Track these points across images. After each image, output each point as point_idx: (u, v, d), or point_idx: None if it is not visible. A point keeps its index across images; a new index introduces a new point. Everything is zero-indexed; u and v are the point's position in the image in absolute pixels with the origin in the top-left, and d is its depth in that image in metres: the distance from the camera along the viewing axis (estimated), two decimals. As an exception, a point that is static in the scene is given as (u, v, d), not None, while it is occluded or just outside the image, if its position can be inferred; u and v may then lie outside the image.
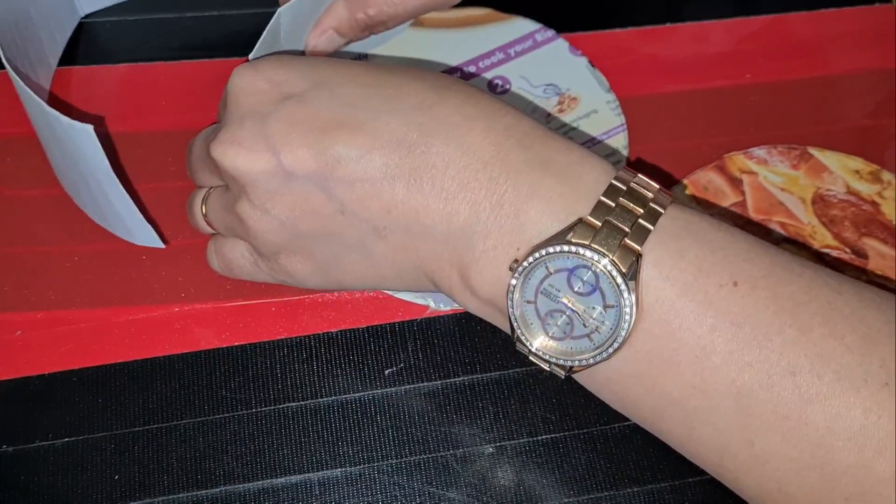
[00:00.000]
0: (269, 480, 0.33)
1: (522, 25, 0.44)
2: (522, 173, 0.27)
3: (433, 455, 0.34)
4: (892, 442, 0.24)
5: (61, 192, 0.39)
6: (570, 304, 0.27)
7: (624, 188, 0.27)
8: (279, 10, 0.34)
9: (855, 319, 0.25)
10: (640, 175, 0.27)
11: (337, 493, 0.33)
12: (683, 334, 0.26)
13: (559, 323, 0.27)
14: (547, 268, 0.27)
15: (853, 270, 0.38)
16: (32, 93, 0.32)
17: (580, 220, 0.26)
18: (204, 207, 0.34)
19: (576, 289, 0.27)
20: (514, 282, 0.27)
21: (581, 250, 0.26)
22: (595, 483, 0.33)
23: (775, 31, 0.45)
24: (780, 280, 0.26)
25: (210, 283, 0.37)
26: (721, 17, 0.46)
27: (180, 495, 0.33)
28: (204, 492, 0.33)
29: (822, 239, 0.39)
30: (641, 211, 0.26)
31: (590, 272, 0.26)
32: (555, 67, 0.42)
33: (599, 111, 0.41)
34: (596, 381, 0.29)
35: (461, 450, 0.34)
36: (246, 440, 0.34)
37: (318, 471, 0.33)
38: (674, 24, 0.44)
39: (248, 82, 0.30)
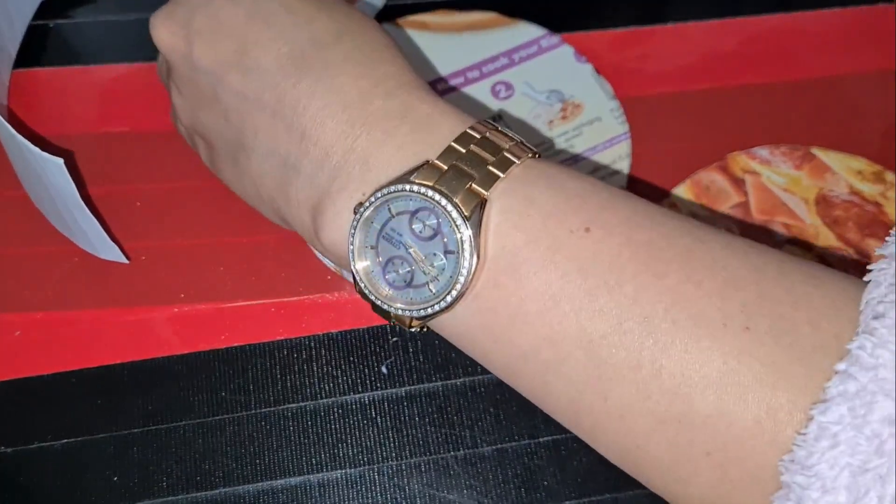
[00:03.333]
0: (268, 482, 0.33)
1: (527, 31, 0.43)
2: (380, 121, 0.27)
3: (434, 457, 0.34)
4: (753, 388, 0.22)
5: (61, 193, 0.39)
6: (411, 250, 0.26)
7: (478, 137, 0.26)
8: None
9: (717, 266, 0.24)
10: (502, 129, 0.27)
11: (337, 494, 0.33)
12: (530, 282, 0.25)
13: (400, 271, 0.26)
14: (389, 210, 0.26)
15: (856, 271, 0.38)
16: (2, 120, 0.33)
17: (427, 162, 0.26)
18: (162, 68, 0.35)
19: (417, 232, 0.26)
20: (355, 223, 0.26)
21: (423, 190, 0.25)
22: (596, 485, 0.33)
23: (777, 31, 0.45)
24: (638, 227, 0.25)
25: (209, 283, 0.37)
26: (722, 18, 0.46)
27: (179, 497, 0.32)
28: (203, 493, 0.33)
29: (825, 240, 0.38)
30: (493, 159, 0.26)
31: (431, 215, 0.25)
32: (559, 73, 0.42)
33: (603, 118, 0.41)
34: (448, 334, 0.28)
35: (462, 451, 0.34)
36: (245, 442, 0.34)
37: (317, 472, 0.33)
38: (676, 24, 0.44)
39: None
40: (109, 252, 0.36)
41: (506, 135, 0.27)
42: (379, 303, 0.27)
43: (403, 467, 0.33)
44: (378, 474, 0.33)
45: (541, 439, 0.34)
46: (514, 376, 0.27)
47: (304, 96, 0.28)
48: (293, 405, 0.34)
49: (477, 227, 0.25)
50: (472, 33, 0.43)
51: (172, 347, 0.35)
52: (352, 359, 0.35)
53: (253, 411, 0.34)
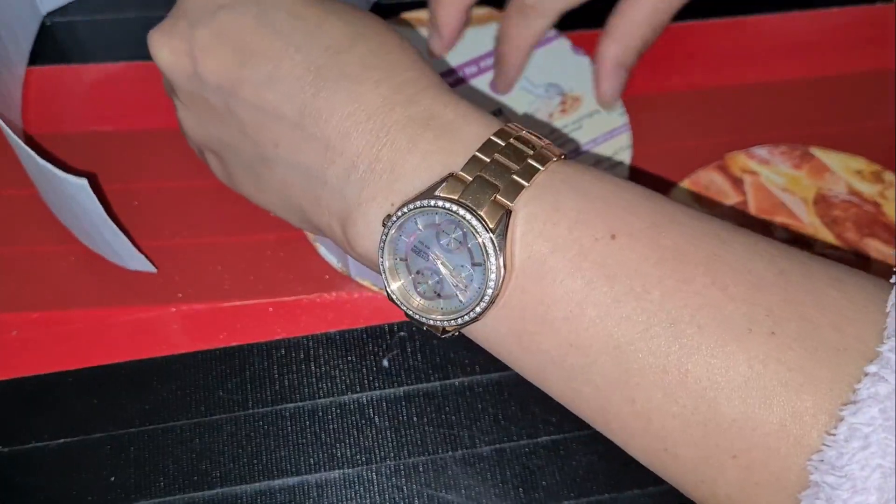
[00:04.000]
0: (266, 482, 0.33)
1: None
2: (405, 128, 0.27)
3: (432, 457, 0.33)
4: (778, 392, 0.23)
5: (58, 192, 0.38)
6: (439, 263, 0.26)
7: (502, 144, 0.26)
8: None
9: (742, 269, 0.24)
10: (526, 131, 0.27)
11: (335, 495, 0.33)
12: (556, 290, 0.25)
13: (430, 282, 0.27)
14: (417, 223, 0.26)
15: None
16: (23, 144, 0.33)
17: (451, 175, 0.26)
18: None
19: (444, 245, 0.26)
20: (384, 237, 0.26)
21: (448, 205, 0.25)
22: (596, 485, 0.33)
23: (776, 30, 0.45)
24: (664, 231, 0.25)
25: (207, 283, 0.36)
26: (722, 17, 0.45)
27: (176, 497, 0.32)
28: (201, 493, 0.32)
29: (823, 239, 0.38)
30: (517, 167, 0.26)
31: (458, 229, 0.26)
32: (557, 67, 0.42)
33: (602, 111, 0.41)
34: (478, 340, 0.28)
35: (460, 451, 0.34)
36: (243, 441, 0.34)
37: (315, 472, 0.33)
38: (675, 24, 0.44)
39: None
40: (137, 262, 0.36)
41: (530, 140, 0.26)
42: (411, 313, 0.27)
43: (402, 467, 0.33)
44: (376, 474, 0.33)
45: (539, 439, 0.34)
46: (543, 381, 0.27)
47: (325, 106, 0.27)
48: (291, 405, 0.34)
49: (503, 238, 0.25)
50: (468, 29, 0.43)
51: (170, 347, 0.35)
52: (350, 358, 0.35)
53: (251, 411, 0.34)
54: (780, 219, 0.39)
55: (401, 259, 0.27)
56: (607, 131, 0.41)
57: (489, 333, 0.27)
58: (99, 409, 0.34)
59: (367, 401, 0.35)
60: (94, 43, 0.43)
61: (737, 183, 0.40)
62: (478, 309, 0.26)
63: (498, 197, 0.25)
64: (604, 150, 0.40)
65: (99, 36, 0.44)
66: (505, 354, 0.27)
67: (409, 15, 0.44)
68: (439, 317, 0.27)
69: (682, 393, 0.24)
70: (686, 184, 0.40)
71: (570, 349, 0.25)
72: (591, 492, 0.33)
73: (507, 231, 0.25)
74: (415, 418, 0.34)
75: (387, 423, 0.34)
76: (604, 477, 0.33)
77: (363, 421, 0.34)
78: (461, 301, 0.26)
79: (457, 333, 0.28)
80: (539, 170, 0.26)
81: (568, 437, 0.34)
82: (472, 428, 0.34)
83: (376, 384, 0.35)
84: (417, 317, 0.27)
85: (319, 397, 0.34)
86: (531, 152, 0.26)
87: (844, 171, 0.40)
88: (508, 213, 0.25)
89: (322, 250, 0.36)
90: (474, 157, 0.26)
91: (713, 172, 0.40)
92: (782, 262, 0.25)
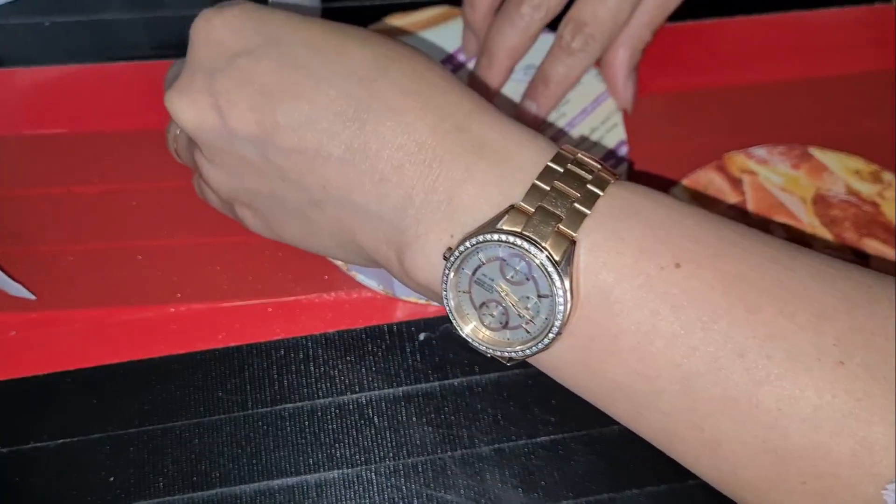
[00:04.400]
0: (265, 482, 0.33)
1: None
2: (458, 157, 0.26)
3: (431, 457, 0.34)
4: (847, 422, 0.23)
5: (56, 192, 0.38)
6: (504, 295, 0.26)
7: (560, 170, 0.26)
8: None
9: (807, 297, 0.24)
10: (580, 154, 0.27)
11: (334, 495, 0.33)
12: (623, 320, 0.25)
13: (495, 313, 0.27)
14: (479, 257, 0.26)
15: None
16: None
17: (512, 207, 0.25)
18: (176, 143, 0.34)
19: (509, 277, 0.26)
20: (447, 271, 0.26)
21: (512, 238, 0.25)
22: (595, 485, 0.33)
23: (775, 30, 0.45)
24: (727, 258, 0.25)
25: (206, 283, 0.36)
26: (721, 17, 0.45)
27: (176, 497, 0.32)
28: (200, 494, 0.32)
29: (822, 239, 0.38)
30: (577, 195, 0.25)
31: (522, 261, 0.26)
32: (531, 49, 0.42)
33: (583, 81, 0.41)
34: (543, 368, 0.28)
35: (459, 452, 0.34)
36: (242, 442, 0.34)
37: (314, 473, 0.33)
38: (673, 24, 0.44)
39: (206, 31, 0.29)
40: (17, 291, 0.36)
41: (586, 163, 0.26)
42: (476, 344, 0.27)
43: (401, 467, 0.33)
44: (375, 474, 0.33)
45: (538, 439, 0.34)
46: (608, 405, 0.27)
47: (372, 140, 0.27)
48: (290, 405, 0.34)
49: (567, 269, 0.25)
50: (433, 29, 0.43)
51: (169, 347, 0.35)
52: (349, 359, 0.35)
53: (250, 411, 0.34)
54: (778, 219, 0.39)
55: (463, 292, 0.27)
56: (593, 99, 0.41)
57: (555, 362, 0.27)
58: (98, 410, 0.34)
59: (366, 401, 0.35)
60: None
61: (735, 183, 0.40)
62: (546, 340, 0.26)
63: (561, 227, 0.25)
64: (595, 118, 0.40)
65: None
66: (570, 381, 0.28)
67: (398, 21, 0.43)
68: (507, 348, 0.27)
69: (752, 422, 0.24)
70: (685, 184, 0.40)
71: (638, 378, 0.25)
72: (589, 491, 0.33)
73: (571, 261, 0.25)
74: (414, 418, 0.34)
75: (386, 423, 0.34)
76: (602, 477, 0.33)
77: (362, 421, 0.34)
78: (527, 332, 0.26)
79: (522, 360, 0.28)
80: (599, 195, 0.26)
81: (567, 437, 0.34)
82: (471, 428, 0.34)
83: (375, 384, 0.35)
84: (484, 348, 0.27)
85: (318, 397, 0.35)
86: (590, 177, 0.26)
87: (843, 170, 0.40)
88: (573, 242, 0.25)
89: (360, 277, 0.36)
90: (534, 185, 0.26)
91: (712, 172, 0.40)
92: (844, 286, 0.25)
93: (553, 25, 0.43)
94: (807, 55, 0.44)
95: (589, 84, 0.41)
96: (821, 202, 0.39)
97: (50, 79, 0.42)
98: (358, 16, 0.45)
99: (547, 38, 0.42)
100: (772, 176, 0.40)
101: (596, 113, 0.41)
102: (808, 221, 0.39)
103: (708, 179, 0.40)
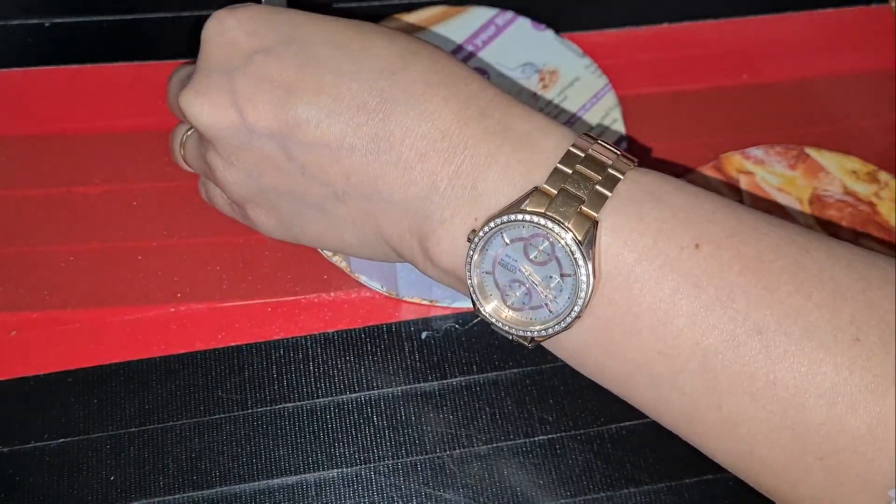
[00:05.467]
0: (265, 481, 0.33)
1: (480, 14, 0.43)
2: (481, 142, 0.27)
3: (430, 456, 0.34)
4: (864, 397, 0.23)
5: (56, 193, 0.38)
6: (527, 274, 0.27)
7: (582, 155, 0.26)
8: None
9: (824, 276, 0.25)
10: (600, 141, 0.27)
11: (333, 494, 0.33)
12: (644, 299, 0.25)
13: (518, 293, 0.27)
14: (503, 237, 0.26)
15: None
16: None
17: (535, 189, 0.26)
18: (183, 149, 0.34)
19: (532, 258, 0.27)
20: (471, 252, 0.27)
21: (536, 219, 0.26)
22: (592, 484, 0.33)
23: (773, 30, 0.45)
24: (746, 239, 0.25)
25: (206, 283, 0.37)
26: (719, 17, 0.46)
27: (176, 496, 0.32)
28: (200, 493, 0.33)
29: (819, 239, 0.39)
30: (599, 177, 0.26)
31: (545, 241, 0.26)
32: (525, 46, 0.42)
33: (581, 77, 0.41)
34: (562, 349, 0.28)
35: (458, 451, 0.34)
36: (242, 441, 0.34)
37: (314, 472, 0.33)
38: (671, 24, 0.44)
39: (219, 32, 0.29)
40: None
41: (606, 148, 0.27)
42: (500, 325, 0.28)
43: (400, 466, 0.33)
44: (374, 473, 0.33)
45: (536, 438, 0.34)
46: (626, 388, 0.28)
47: (396, 129, 0.27)
48: (290, 404, 0.35)
49: (590, 249, 0.25)
50: (429, 30, 0.43)
51: (169, 347, 0.35)
52: (348, 358, 0.36)
53: (249, 410, 0.34)
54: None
55: (486, 273, 0.27)
56: (592, 95, 0.41)
57: (574, 344, 0.27)
58: (98, 409, 0.34)
59: (365, 400, 0.35)
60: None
61: (732, 183, 0.40)
62: (568, 318, 0.26)
63: (583, 208, 0.26)
64: (594, 114, 0.41)
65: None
66: (590, 363, 0.28)
67: (397, 23, 0.44)
68: (529, 328, 0.27)
69: (770, 399, 0.24)
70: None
71: (658, 357, 0.26)
72: (586, 490, 0.33)
73: (594, 241, 0.25)
74: (413, 417, 0.34)
75: (385, 422, 0.34)
76: (599, 475, 0.33)
77: (361, 420, 0.34)
78: (550, 311, 0.27)
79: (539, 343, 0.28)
80: (620, 179, 0.26)
81: (564, 435, 0.34)
82: (469, 427, 0.34)
83: (375, 384, 0.35)
84: (507, 328, 0.28)
85: (318, 397, 0.35)
86: (610, 162, 0.26)
87: (839, 171, 0.41)
88: (595, 223, 0.26)
89: (364, 279, 0.37)
90: (556, 168, 0.26)
91: (709, 173, 0.40)
92: (861, 267, 0.25)
93: (549, 22, 0.43)
94: (803, 56, 0.45)
95: (587, 80, 0.42)
96: (817, 202, 0.40)
97: (50, 79, 0.42)
98: (358, 17, 0.45)
99: (547, 38, 0.42)
100: (768, 176, 0.40)
101: (595, 110, 0.41)
102: (805, 222, 0.39)
103: (705, 180, 0.40)
